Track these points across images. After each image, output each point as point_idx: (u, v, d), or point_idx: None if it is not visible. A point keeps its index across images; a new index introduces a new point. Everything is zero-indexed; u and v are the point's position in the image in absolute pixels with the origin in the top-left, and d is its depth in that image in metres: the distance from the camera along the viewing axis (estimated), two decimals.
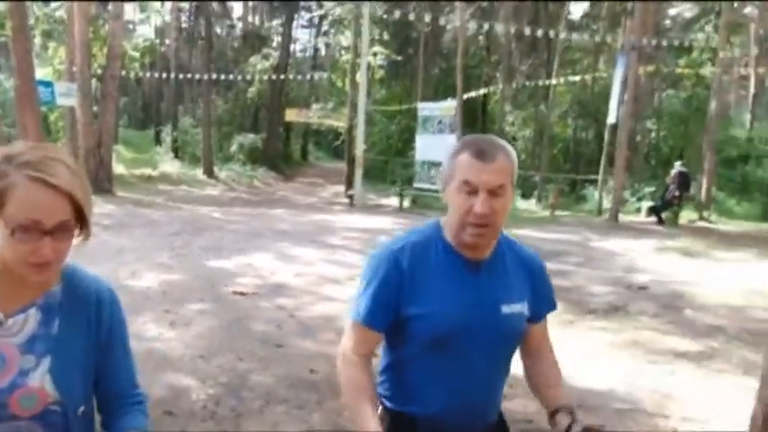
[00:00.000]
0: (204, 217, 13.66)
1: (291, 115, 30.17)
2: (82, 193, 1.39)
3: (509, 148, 1.77)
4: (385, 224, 13.54)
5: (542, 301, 1.92)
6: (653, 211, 16.04)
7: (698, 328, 6.77)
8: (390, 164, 27.28)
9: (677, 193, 15.78)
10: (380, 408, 1.85)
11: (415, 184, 19.93)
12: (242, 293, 7.10)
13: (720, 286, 8.65)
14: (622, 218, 16.23)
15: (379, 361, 1.92)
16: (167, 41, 31.81)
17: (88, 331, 1.51)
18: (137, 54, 28.93)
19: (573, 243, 11.82)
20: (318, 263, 9.00)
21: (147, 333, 5.50)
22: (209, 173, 26.34)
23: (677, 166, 16.30)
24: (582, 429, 1.71)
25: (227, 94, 34.27)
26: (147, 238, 10.33)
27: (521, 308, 1.82)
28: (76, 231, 1.42)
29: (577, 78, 23.10)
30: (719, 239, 13.57)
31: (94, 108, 18.90)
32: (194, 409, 4.09)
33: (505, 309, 1.79)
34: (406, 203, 18.99)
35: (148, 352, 4.95)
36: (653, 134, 27.60)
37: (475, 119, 25.43)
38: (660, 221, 15.54)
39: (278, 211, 15.86)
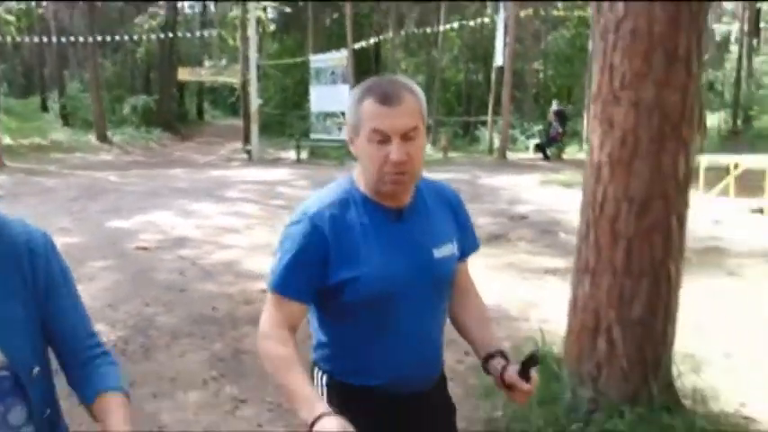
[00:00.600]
0: (101, 181, 13.65)
1: (184, 74, 29.66)
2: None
3: (413, 85, 1.67)
4: (282, 176, 13.98)
5: (468, 238, 1.86)
6: (539, 148, 17.10)
7: (569, 248, 7.59)
8: (288, 117, 27.48)
9: (560, 130, 16.87)
10: (325, 378, 1.77)
11: (312, 136, 20.35)
12: (144, 248, 7.44)
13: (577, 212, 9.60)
14: (511, 156, 17.24)
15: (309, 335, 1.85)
16: (44, 3, 30.47)
17: (24, 285, 1.38)
18: (11, 18, 27.64)
19: (462, 181, 12.58)
20: (217, 215, 9.39)
21: None
22: (103, 138, 25.74)
23: (555, 105, 17.39)
24: (519, 366, 1.67)
25: (114, 55, 33.28)
26: (43, 205, 10.39)
27: (451, 248, 1.76)
28: None
29: (466, 23, 23.82)
30: None
31: None
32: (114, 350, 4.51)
33: (437, 253, 1.72)
34: (304, 155, 19.39)
35: None
36: (541, 75, 28.89)
37: (368, 68, 25.80)
38: (546, 157, 16.61)
39: (176, 171, 15.98)
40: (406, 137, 1.59)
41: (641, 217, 3.02)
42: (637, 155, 2.98)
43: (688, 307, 3.59)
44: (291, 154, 20.04)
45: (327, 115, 19.38)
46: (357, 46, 21.11)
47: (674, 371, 3.47)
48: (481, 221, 9.09)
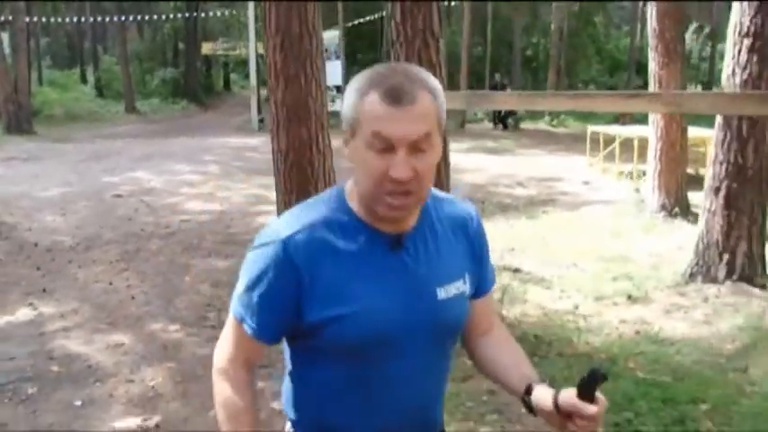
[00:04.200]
0: (110, 147, 16.75)
1: (207, 48, 32.85)
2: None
3: (432, 80, 1.30)
4: (261, 143, 16.87)
5: (485, 272, 1.52)
6: (497, 118, 19.61)
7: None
8: None
9: None
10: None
11: None
12: (119, 195, 10.40)
13: (485, 172, 12.29)
14: (470, 126, 19.79)
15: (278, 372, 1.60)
16: None
17: None
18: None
19: None
20: (185, 173, 12.35)
21: (44, 220, 8.81)
22: (132, 108, 29.15)
23: (496, 77, 19.90)
24: (578, 386, 1.26)
25: (142, 30, 36.63)
26: (56, 165, 13.50)
27: (460, 286, 1.42)
28: None
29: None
30: (542, 140, 17.25)
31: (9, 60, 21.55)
32: (65, 246, 7.47)
33: (442, 293, 1.38)
34: None
35: (42, 227, 8.32)
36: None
37: (372, 44, 28.34)
38: (505, 127, 19.11)
39: (180, 139, 19.02)
40: (415, 147, 1.24)
41: None
42: None
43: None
44: None
45: (328, 88, 22.16)
46: (357, 21, 23.65)
47: None
48: None
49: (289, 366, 1.48)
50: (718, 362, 4.15)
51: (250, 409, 1.41)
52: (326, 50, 22.58)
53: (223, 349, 1.45)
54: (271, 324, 1.38)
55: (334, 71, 20.05)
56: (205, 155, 14.87)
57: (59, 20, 30.85)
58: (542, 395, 1.35)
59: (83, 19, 29.85)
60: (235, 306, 1.40)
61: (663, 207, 8.26)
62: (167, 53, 37.49)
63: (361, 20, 25.26)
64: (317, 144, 5.41)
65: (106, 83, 32.63)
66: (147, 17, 29.92)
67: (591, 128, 12.85)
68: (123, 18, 28.31)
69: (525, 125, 20.05)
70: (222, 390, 1.43)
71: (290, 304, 1.33)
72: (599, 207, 9.32)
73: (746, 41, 5.23)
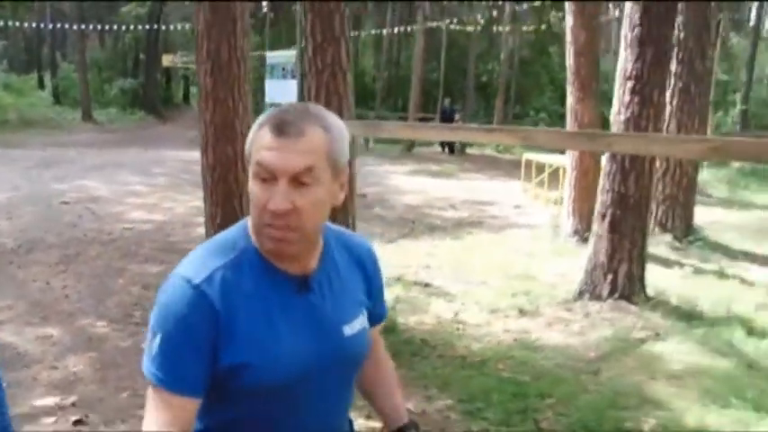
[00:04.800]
0: (63, 155, 17.05)
1: (167, 60, 33.21)
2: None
3: (332, 120, 1.35)
4: None
5: (379, 305, 1.62)
6: (445, 143, 20.33)
7: (388, 220, 10.83)
8: (259, 105, 30.83)
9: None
10: None
11: None
12: (66, 202, 10.79)
13: (423, 194, 12.93)
14: (419, 150, 20.50)
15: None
16: None
17: None
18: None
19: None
20: (133, 184, 12.77)
21: None
22: (88, 117, 29.33)
23: (446, 103, 20.69)
24: None
25: (104, 39, 36.83)
26: (6, 171, 13.80)
27: (362, 321, 1.51)
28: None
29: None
30: (484, 165, 18.01)
31: None
32: (6, 248, 7.88)
33: (348, 329, 1.46)
34: None
35: None
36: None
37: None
38: (451, 152, 19.84)
39: (132, 150, 19.38)
40: (297, 180, 1.27)
41: None
42: None
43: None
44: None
45: (278, 106, 22.71)
46: None
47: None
48: None
49: (201, 420, 1.44)
50: (576, 366, 4.78)
51: None
52: (284, 69, 23.22)
53: (148, 426, 1.33)
54: (192, 372, 1.32)
55: (290, 89, 20.68)
56: (155, 167, 15.28)
57: (17, 24, 30.93)
58: None
59: (42, 25, 29.98)
60: (149, 371, 1.33)
61: (576, 232, 8.95)
62: (127, 63, 37.70)
63: None
64: (243, 161, 5.94)
65: (64, 90, 32.76)
66: (107, 26, 30.17)
67: (525, 155, 13.57)
68: (83, 26, 28.56)
69: (473, 150, 20.81)
70: None
71: (209, 348, 1.32)
72: (522, 230, 9.99)
73: (629, 84, 5.94)
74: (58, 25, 29.81)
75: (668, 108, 9.05)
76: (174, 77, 40.24)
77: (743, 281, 7.67)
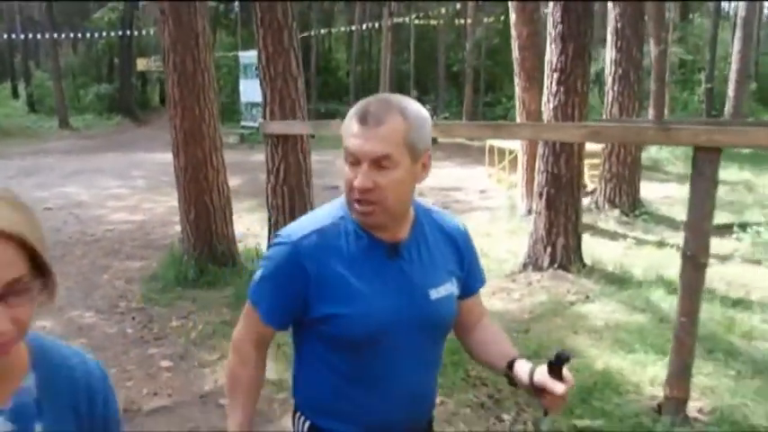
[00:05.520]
0: (42, 163, 17.61)
1: (142, 64, 33.64)
2: (31, 228, 1.01)
3: (411, 109, 1.54)
4: None
5: (472, 275, 1.79)
6: None
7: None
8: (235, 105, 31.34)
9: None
10: (307, 425, 1.73)
11: (242, 123, 24.26)
12: (49, 208, 11.40)
13: None
14: None
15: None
16: None
17: (79, 430, 1.16)
18: None
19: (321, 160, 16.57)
20: (113, 187, 13.39)
21: None
22: (65, 124, 29.73)
23: (413, 96, 21.43)
24: (548, 365, 1.53)
25: (77, 46, 37.19)
26: None
27: (450, 287, 1.68)
28: (36, 285, 1.03)
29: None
30: (455, 153, 18.78)
31: None
32: None
33: (434, 294, 1.64)
34: (234, 140, 23.34)
35: None
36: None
37: (305, 61, 29.62)
38: None
39: (111, 154, 19.95)
40: (377, 164, 1.50)
41: None
42: None
43: None
44: (231, 139, 23.95)
45: (253, 105, 23.29)
46: None
47: None
48: None
49: (297, 355, 1.76)
50: (510, 326, 5.47)
51: (250, 383, 1.73)
52: (257, 68, 23.81)
53: (239, 328, 1.74)
54: (278, 312, 1.65)
55: (255, 89, 21.33)
56: (135, 170, 15.89)
57: None
58: (521, 370, 1.62)
59: (13, 35, 30.38)
60: (251, 293, 1.69)
61: (529, 211, 9.66)
62: (102, 68, 38.07)
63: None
64: (211, 161, 6.64)
65: (39, 98, 33.08)
66: (80, 33, 30.59)
67: (489, 142, 14.29)
68: (56, 34, 28.97)
69: (445, 139, 21.51)
70: (232, 362, 1.76)
71: (297, 298, 1.60)
72: (483, 213, 10.70)
73: (555, 75, 6.65)
74: (30, 35, 30.18)
75: (610, 93, 9.82)
76: (150, 81, 40.63)
77: (680, 248, 8.43)
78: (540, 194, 6.92)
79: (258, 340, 1.73)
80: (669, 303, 6.01)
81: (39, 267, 1.02)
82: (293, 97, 5.70)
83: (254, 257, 7.13)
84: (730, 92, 20.47)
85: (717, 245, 8.58)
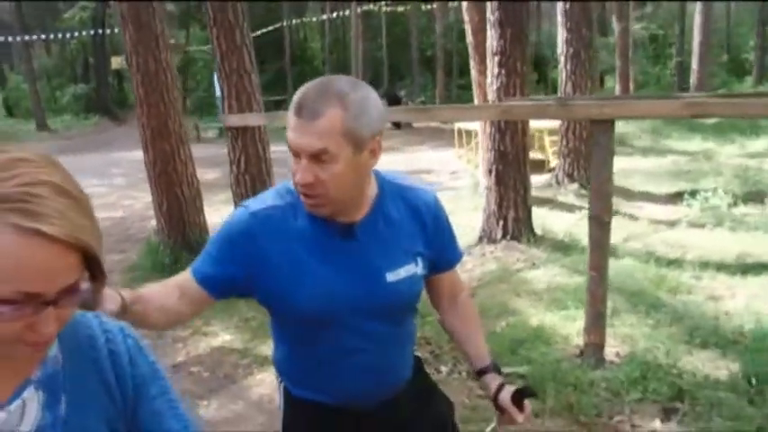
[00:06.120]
0: None
1: (116, 63, 33.81)
2: (92, 233, 0.96)
3: (355, 97, 1.46)
4: None
5: (443, 252, 1.78)
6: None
7: None
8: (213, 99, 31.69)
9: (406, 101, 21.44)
10: (282, 386, 1.82)
11: (219, 117, 24.66)
12: None
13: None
14: None
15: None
16: None
17: (111, 399, 1.14)
18: None
19: None
20: (93, 186, 13.82)
21: None
22: (43, 126, 30.03)
23: (386, 87, 21.98)
24: (513, 393, 1.73)
25: (50, 47, 37.37)
26: None
27: (411, 269, 1.66)
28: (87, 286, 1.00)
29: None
30: (429, 137, 19.32)
31: None
32: None
33: (391, 276, 1.63)
34: (212, 134, 23.80)
35: None
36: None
37: (278, 51, 30.04)
38: (398, 126, 21.07)
39: (90, 154, 20.35)
40: (316, 158, 1.45)
41: None
42: None
43: None
44: (210, 133, 24.39)
45: None
46: (262, 31, 25.34)
47: None
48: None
49: (273, 330, 1.80)
50: None
51: (151, 293, 1.61)
52: None
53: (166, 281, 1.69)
54: (211, 273, 1.62)
55: None
56: (114, 168, 16.35)
57: None
58: (489, 384, 1.78)
59: None
60: (193, 263, 1.67)
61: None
62: (76, 69, 38.28)
63: (265, 30, 26.93)
64: (179, 155, 7.12)
65: (15, 101, 33.40)
66: (51, 35, 30.82)
67: (457, 124, 14.81)
68: (27, 36, 29.18)
69: (420, 124, 22.05)
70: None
71: (238, 267, 1.59)
72: (451, 193, 11.23)
73: (496, 58, 7.16)
74: (1, 38, 30.37)
75: (563, 72, 10.34)
76: (126, 78, 40.66)
77: (631, 217, 8.99)
78: (490, 171, 7.44)
79: (179, 286, 1.66)
80: (609, 265, 6.57)
81: (93, 269, 0.98)
82: (249, 91, 6.20)
83: None
84: (694, 65, 21.20)
85: (667, 211, 9.29)
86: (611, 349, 4.63)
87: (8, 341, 0.94)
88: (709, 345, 4.66)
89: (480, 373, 1.82)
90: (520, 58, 7.09)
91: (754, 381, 4.03)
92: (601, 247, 4.29)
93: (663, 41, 29.33)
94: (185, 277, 1.65)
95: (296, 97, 1.47)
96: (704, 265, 6.49)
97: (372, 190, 1.64)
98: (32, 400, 1.05)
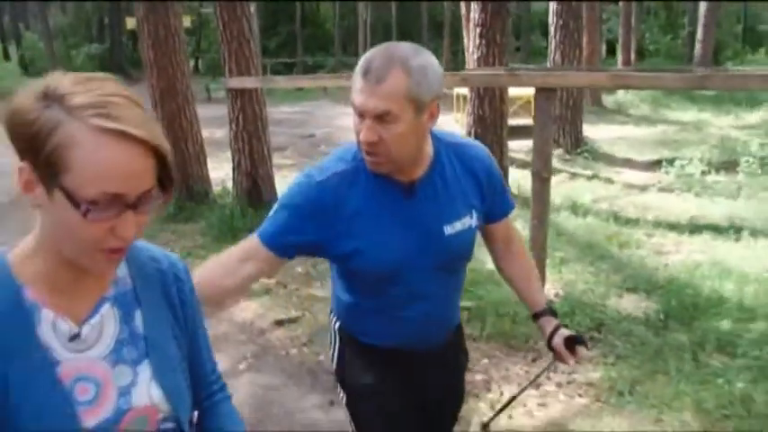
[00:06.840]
0: None
1: (131, 23, 34.38)
2: (166, 140, 1.04)
3: (416, 62, 1.57)
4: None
5: (495, 204, 1.90)
6: None
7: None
8: None
9: None
10: (338, 324, 1.97)
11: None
12: None
13: None
14: None
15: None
16: None
17: (175, 318, 1.25)
18: None
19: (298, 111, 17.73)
20: None
21: None
22: None
23: None
24: (564, 339, 1.88)
25: (65, 6, 37.91)
26: None
27: (466, 221, 1.80)
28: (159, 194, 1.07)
29: None
30: None
31: None
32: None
33: (449, 229, 1.76)
34: (222, 94, 24.48)
35: None
36: None
37: (291, 16, 30.54)
38: None
39: None
40: (380, 119, 1.56)
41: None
42: None
43: None
44: (221, 94, 25.07)
45: None
46: None
47: None
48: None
49: (334, 279, 1.93)
50: None
51: (218, 275, 1.75)
52: None
53: (233, 249, 1.81)
54: (282, 239, 1.73)
55: None
56: None
57: None
58: (544, 327, 1.95)
59: None
60: (258, 228, 1.77)
61: None
62: (92, 29, 38.84)
63: None
64: (185, 114, 7.87)
65: (30, 60, 33.95)
66: None
67: (456, 90, 15.40)
68: None
69: None
70: (206, 264, 1.81)
71: (307, 233, 1.72)
72: None
73: (477, 30, 7.81)
74: None
75: (552, 42, 10.97)
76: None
77: (608, 180, 9.68)
78: (469, 134, 8.12)
79: (249, 260, 1.77)
80: (572, 223, 7.27)
81: (163, 179, 1.04)
82: (247, 56, 6.93)
83: (224, 195, 8.42)
84: (699, 35, 21.47)
85: (644, 177, 9.95)
86: (552, 290, 5.36)
87: (90, 248, 1.01)
88: (639, 290, 5.39)
89: (536, 317, 2.00)
90: (500, 30, 7.72)
91: (662, 316, 4.79)
92: (542, 199, 4.97)
93: (676, 9, 29.46)
94: (250, 245, 1.78)
95: (362, 61, 1.59)
96: (658, 224, 7.20)
97: (429, 149, 1.75)
98: (109, 316, 1.15)
